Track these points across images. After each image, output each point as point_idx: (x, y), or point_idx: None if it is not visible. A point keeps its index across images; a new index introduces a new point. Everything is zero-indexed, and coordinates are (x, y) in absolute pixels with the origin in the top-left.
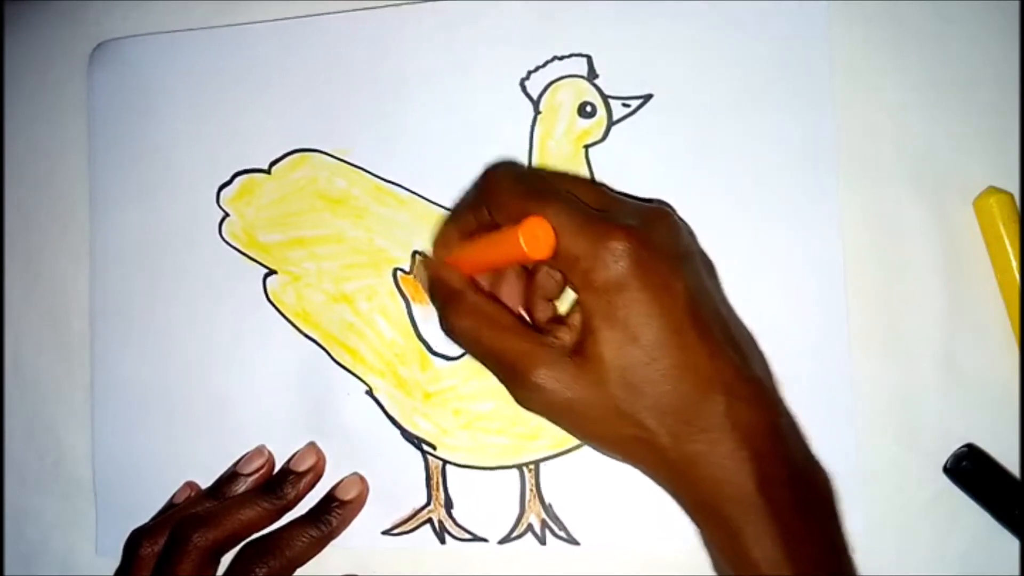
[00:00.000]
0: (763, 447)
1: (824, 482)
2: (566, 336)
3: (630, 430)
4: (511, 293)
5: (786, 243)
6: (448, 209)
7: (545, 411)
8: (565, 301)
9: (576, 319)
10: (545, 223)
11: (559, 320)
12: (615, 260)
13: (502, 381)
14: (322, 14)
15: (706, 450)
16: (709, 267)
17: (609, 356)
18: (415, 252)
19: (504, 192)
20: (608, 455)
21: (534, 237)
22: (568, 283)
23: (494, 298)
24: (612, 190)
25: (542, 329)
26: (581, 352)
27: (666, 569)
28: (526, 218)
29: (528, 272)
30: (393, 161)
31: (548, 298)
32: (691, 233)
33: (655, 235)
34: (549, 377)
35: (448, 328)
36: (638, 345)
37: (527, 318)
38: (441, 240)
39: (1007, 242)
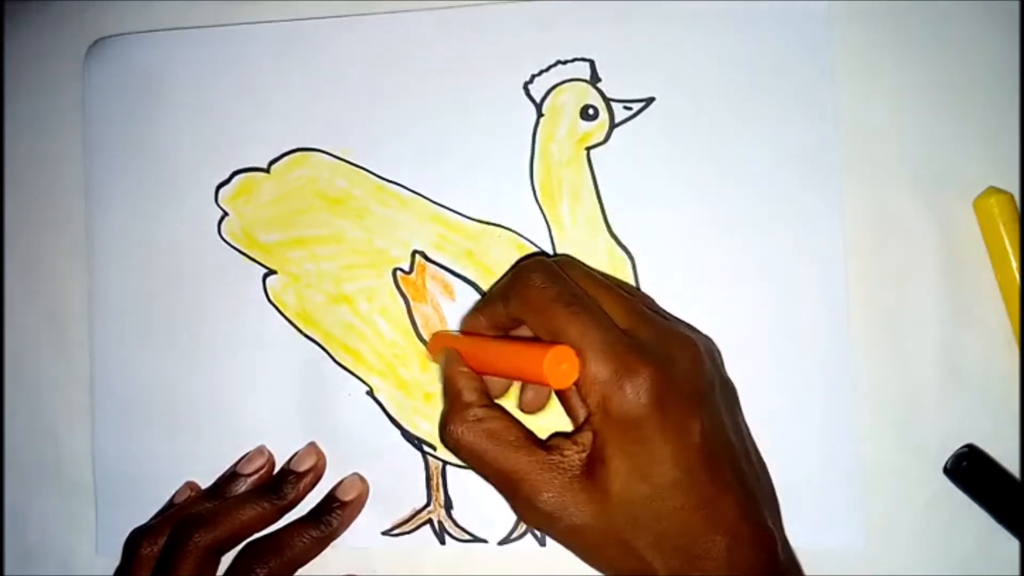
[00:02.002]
0: None
1: None
2: (573, 456)
3: (630, 562)
4: (540, 393)
5: (787, 243)
6: (449, 209)
7: (546, 531)
8: None
9: (585, 438)
10: (571, 354)
11: (565, 435)
12: (636, 394)
13: (503, 496)
14: (323, 17)
15: None
16: (730, 397)
17: (616, 489)
18: (415, 252)
19: (534, 293)
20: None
21: (557, 368)
22: (584, 402)
23: (502, 410)
24: (641, 300)
25: (549, 447)
26: (590, 477)
27: None
28: (550, 342)
29: None
30: (394, 161)
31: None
32: (716, 362)
33: (678, 368)
34: (554, 502)
35: (448, 437)
36: (648, 483)
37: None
38: (466, 324)
39: (1007, 242)
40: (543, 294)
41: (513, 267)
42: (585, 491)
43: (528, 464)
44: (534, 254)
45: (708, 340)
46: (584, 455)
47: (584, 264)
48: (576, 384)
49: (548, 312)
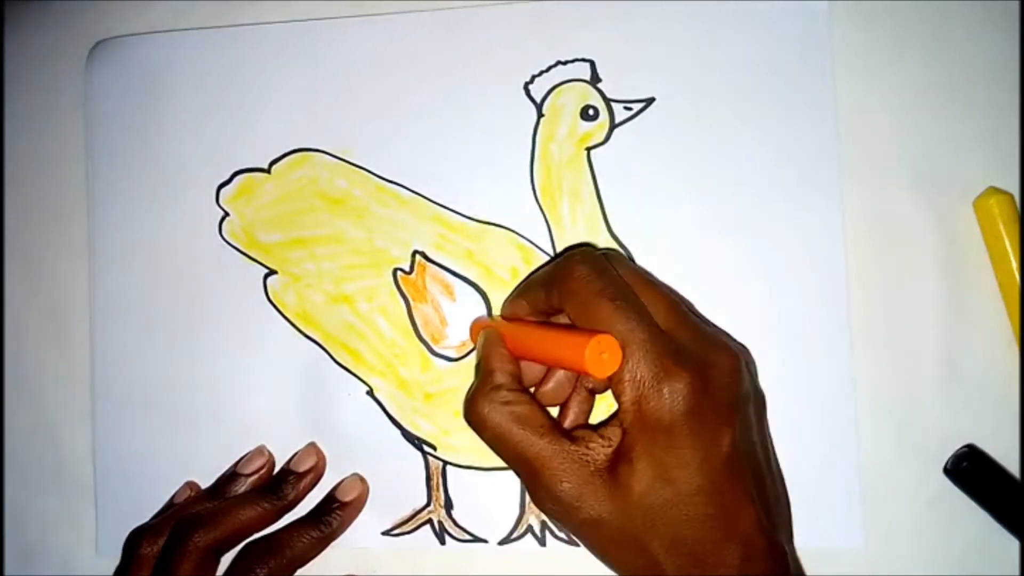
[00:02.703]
0: None
1: None
2: (599, 449)
3: (641, 561)
4: (566, 383)
5: (788, 243)
6: (450, 209)
7: (561, 520)
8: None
9: (613, 433)
10: (615, 344)
11: (591, 427)
12: (672, 399)
13: (522, 480)
14: (323, 18)
15: None
16: (760, 408)
17: (639, 489)
18: (415, 252)
19: (579, 285)
20: (612, 570)
21: (599, 356)
22: (616, 398)
23: (532, 396)
24: (683, 303)
25: (574, 436)
26: (613, 473)
27: None
28: (594, 330)
29: None
30: (394, 161)
31: (594, 391)
32: (752, 373)
33: (716, 378)
34: (573, 493)
35: (473, 414)
36: (671, 487)
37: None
38: (508, 307)
39: (1007, 242)
40: (589, 286)
41: (560, 254)
42: (607, 486)
43: (552, 452)
44: (574, 246)
45: (745, 350)
46: (610, 450)
47: (631, 261)
48: (611, 379)
49: (592, 304)
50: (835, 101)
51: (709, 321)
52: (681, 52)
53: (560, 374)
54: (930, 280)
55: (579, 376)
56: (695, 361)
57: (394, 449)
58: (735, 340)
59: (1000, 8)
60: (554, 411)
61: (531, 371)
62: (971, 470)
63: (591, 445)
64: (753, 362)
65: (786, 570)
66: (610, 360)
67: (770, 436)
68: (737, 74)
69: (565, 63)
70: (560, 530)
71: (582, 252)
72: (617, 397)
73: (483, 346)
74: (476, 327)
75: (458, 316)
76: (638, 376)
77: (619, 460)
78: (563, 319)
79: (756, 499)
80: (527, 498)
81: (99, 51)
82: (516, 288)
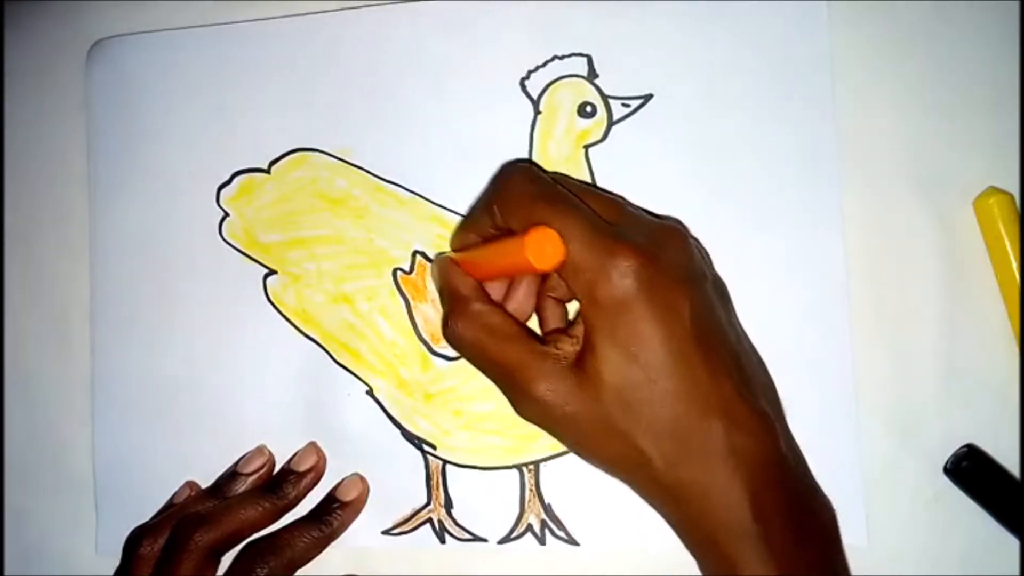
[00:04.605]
0: (761, 476)
1: (826, 514)
2: (568, 347)
3: (624, 450)
4: (527, 295)
5: (787, 243)
6: (448, 209)
7: (543, 423)
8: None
9: (579, 330)
10: (553, 234)
11: (562, 330)
12: (621, 277)
13: (502, 391)
14: (321, 12)
15: (701, 477)
16: (721, 291)
17: (608, 374)
18: (415, 252)
19: (515, 194)
20: (604, 472)
21: (541, 249)
22: (571, 294)
23: (500, 307)
24: (627, 203)
25: (545, 339)
26: (581, 366)
27: (665, 570)
28: (534, 227)
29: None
30: (393, 161)
31: (560, 299)
32: (704, 254)
33: (665, 254)
34: (548, 390)
35: (450, 334)
36: (638, 365)
37: (538, 324)
38: (455, 242)
39: (1007, 242)
40: (525, 192)
41: (493, 176)
42: (579, 379)
43: (525, 355)
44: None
45: (697, 241)
46: (578, 346)
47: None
48: (562, 275)
49: (531, 208)
50: (835, 101)
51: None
52: (680, 49)
53: (521, 288)
54: (930, 280)
55: (540, 289)
56: (641, 240)
57: (394, 449)
58: (684, 226)
59: (1000, 8)
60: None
61: (492, 293)
62: (971, 470)
63: (560, 345)
64: (706, 252)
65: (774, 439)
66: (553, 251)
67: (740, 324)
68: (736, 73)
69: (562, 58)
70: (559, 529)
71: (513, 164)
72: (572, 291)
73: (438, 274)
74: (433, 265)
75: None
76: (584, 263)
77: (586, 351)
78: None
79: (731, 372)
80: (527, 497)
81: (99, 50)
82: (460, 222)
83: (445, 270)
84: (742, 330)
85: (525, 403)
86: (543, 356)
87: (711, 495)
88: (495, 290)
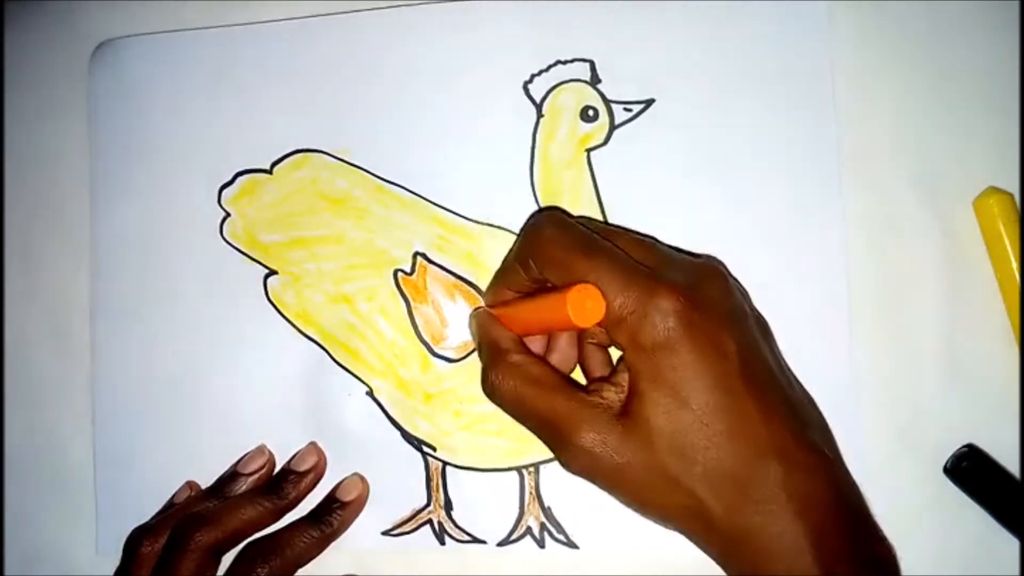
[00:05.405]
0: (823, 520)
1: (889, 556)
2: (612, 396)
3: (680, 499)
4: (569, 345)
5: (788, 243)
6: (450, 210)
7: (591, 476)
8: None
9: (623, 378)
10: (594, 291)
11: (604, 379)
12: (663, 319)
13: (546, 444)
14: (324, 15)
15: (761, 522)
16: (763, 327)
17: (657, 420)
18: (416, 253)
19: (548, 245)
20: (660, 525)
21: (582, 305)
22: (614, 342)
23: (541, 358)
24: (660, 243)
25: (588, 390)
26: (628, 414)
27: (665, 572)
28: (573, 284)
29: None
30: (395, 162)
31: (602, 344)
32: (744, 293)
33: (706, 293)
34: (595, 441)
35: (490, 387)
36: (688, 409)
37: (581, 376)
38: (490, 297)
39: (1007, 242)
40: (558, 245)
41: (523, 228)
42: (626, 428)
43: (568, 406)
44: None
45: (736, 279)
46: (623, 394)
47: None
48: (604, 327)
49: (566, 261)
50: (835, 101)
51: (691, 253)
52: (681, 53)
53: (562, 340)
54: (930, 280)
55: (581, 337)
56: (680, 280)
57: (394, 449)
58: (722, 264)
59: (1000, 8)
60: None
61: (533, 348)
62: (971, 470)
63: (605, 394)
64: (745, 290)
65: (834, 479)
66: (594, 307)
67: (783, 360)
68: (737, 75)
69: (565, 63)
70: (558, 532)
71: (543, 216)
72: (615, 341)
73: (478, 327)
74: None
75: (458, 317)
76: (625, 312)
77: (632, 398)
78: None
79: (782, 410)
80: (527, 499)
81: (101, 52)
82: (494, 277)
83: (484, 323)
84: (789, 368)
85: (572, 455)
86: (587, 405)
87: (773, 541)
88: (534, 344)
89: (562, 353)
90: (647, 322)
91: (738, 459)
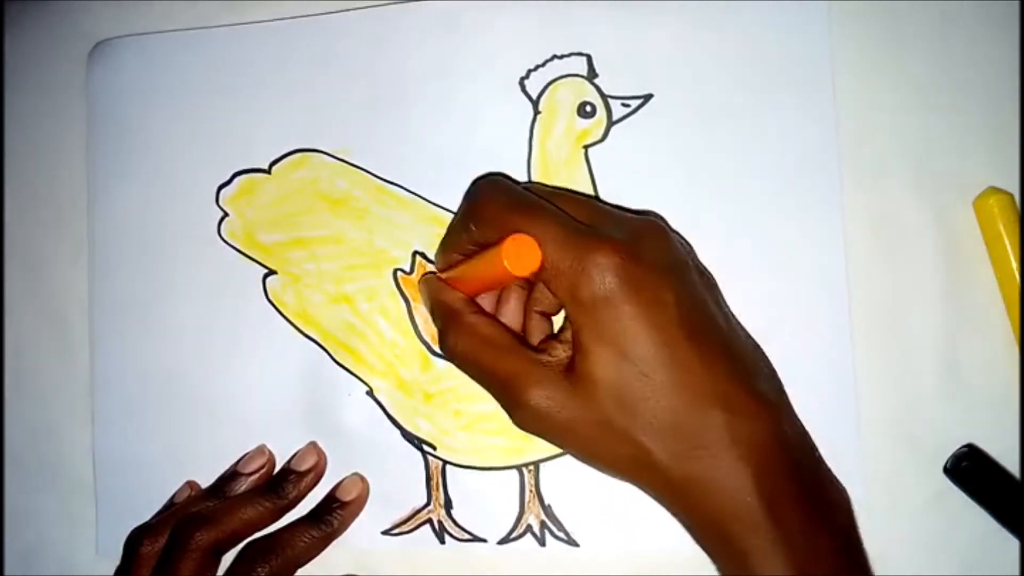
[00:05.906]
0: (768, 463)
1: (840, 499)
2: (560, 353)
3: (627, 450)
4: (516, 310)
5: (787, 243)
6: (449, 210)
7: (542, 432)
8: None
9: (568, 335)
10: (528, 239)
11: (554, 337)
12: (601, 274)
13: (499, 402)
14: (321, 14)
15: (706, 468)
16: (707, 279)
17: (600, 374)
18: (415, 253)
19: (487, 207)
20: (610, 476)
21: (517, 255)
22: (556, 298)
23: (493, 318)
24: (603, 203)
25: (538, 347)
26: (573, 370)
27: (665, 570)
28: (509, 235)
29: (529, 288)
30: (394, 161)
31: (546, 313)
32: (686, 245)
33: (644, 247)
34: (543, 397)
35: (446, 349)
36: (629, 362)
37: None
38: (439, 262)
39: (1007, 242)
40: (497, 204)
41: (465, 192)
42: (572, 384)
43: (518, 365)
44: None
45: (679, 234)
46: (569, 350)
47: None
48: (544, 281)
49: (505, 219)
50: (835, 101)
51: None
52: (680, 49)
53: (511, 302)
54: (930, 280)
55: (527, 306)
56: (618, 236)
57: (394, 449)
58: (663, 220)
59: (1000, 8)
60: None
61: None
62: (971, 470)
63: (552, 352)
64: (688, 243)
65: (776, 422)
66: (529, 255)
67: (731, 311)
68: (736, 72)
69: (561, 57)
70: (558, 530)
71: (483, 179)
72: (555, 295)
73: (428, 292)
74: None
75: None
76: (563, 265)
77: (575, 353)
78: None
79: (725, 359)
80: (527, 498)
81: (100, 51)
82: (440, 242)
83: (433, 288)
84: (733, 316)
85: (521, 413)
86: (535, 363)
87: (718, 486)
88: (485, 305)
89: (510, 316)
90: (585, 277)
91: (680, 408)
